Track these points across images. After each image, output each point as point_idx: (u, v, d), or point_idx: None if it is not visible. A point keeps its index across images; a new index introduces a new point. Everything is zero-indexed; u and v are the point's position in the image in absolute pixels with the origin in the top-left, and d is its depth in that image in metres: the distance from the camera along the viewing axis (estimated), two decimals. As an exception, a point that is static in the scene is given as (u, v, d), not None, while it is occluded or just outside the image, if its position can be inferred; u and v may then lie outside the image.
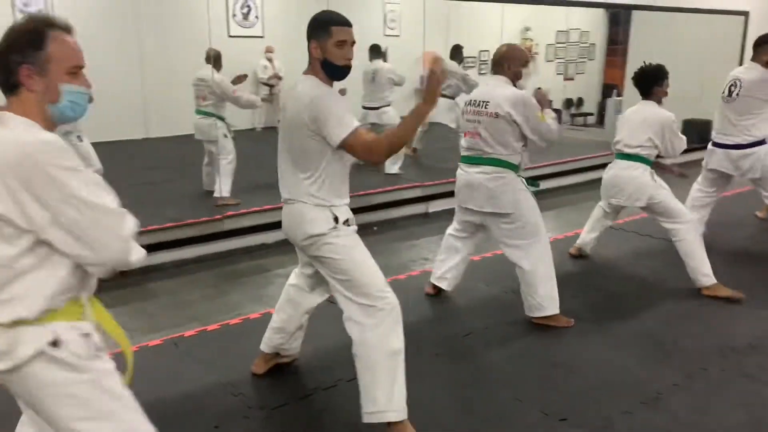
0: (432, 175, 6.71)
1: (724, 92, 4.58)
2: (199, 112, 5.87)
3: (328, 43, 2.46)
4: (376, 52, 7.32)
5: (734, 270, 4.46)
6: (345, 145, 2.42)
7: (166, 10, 8.38)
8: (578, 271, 4.52)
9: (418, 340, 3.18)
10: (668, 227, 4.11)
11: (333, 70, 2.51)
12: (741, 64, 8.60)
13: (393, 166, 7.00)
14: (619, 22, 12.31)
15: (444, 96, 7.62)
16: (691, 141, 4.71)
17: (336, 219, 2.55)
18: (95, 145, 5.27)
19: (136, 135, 8.32)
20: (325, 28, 2.47)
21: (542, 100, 3.49)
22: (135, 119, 8.26)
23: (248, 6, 9.88)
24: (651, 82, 4.13)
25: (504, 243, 3.62)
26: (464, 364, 3.24)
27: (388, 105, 7.24)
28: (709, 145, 4.72)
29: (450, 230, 3.95)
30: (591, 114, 12.89)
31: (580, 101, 13.08)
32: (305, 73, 2.56)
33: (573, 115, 12.83)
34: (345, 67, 2.51)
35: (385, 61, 7.35)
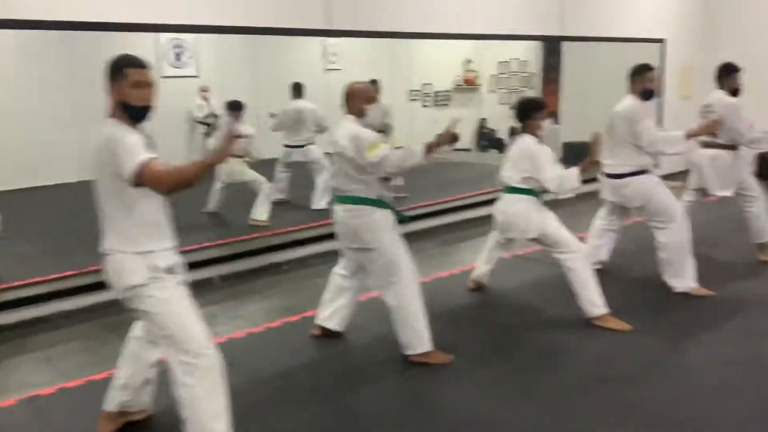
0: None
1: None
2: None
3: (124, 85, 2.45)
4: (298, 91, 7.32)
5: (631, 298, 4.46)
6: (137, 177, 2.36)
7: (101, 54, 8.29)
8: (472, 305, 4.47)
9: (292, 383, 3.21)
10: (559, 257, 4.10)
11: (132, 112, 2.48)
12: (659, 88, 8.81)
13: (320, 201, 6.93)
14: (555, 51, 12.51)
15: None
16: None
17: (155, 267, 2.47)
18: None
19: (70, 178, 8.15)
20: (121, 71, 2.47)
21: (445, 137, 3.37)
22: (69, 163, 8.11)
23: (180, 47, 9.90)
24: (524, 115, 4.15)
25: (374, 279, 3.60)
26: (330, 405, 3.16)
27: (312, 144, 7.18)
28: (599, 175, 4.74)
29: (336, 269, 3.89)
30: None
31: (525, 129, 13.21)
32: (108, 117, 2.51)
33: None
34: (143, 108, 2.49)
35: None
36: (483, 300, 4.55)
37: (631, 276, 4.91)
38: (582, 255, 4.08)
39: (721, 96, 5.11)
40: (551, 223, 4.09)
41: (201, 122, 9.53)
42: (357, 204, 3.45)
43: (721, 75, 5.18)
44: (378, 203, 3.49)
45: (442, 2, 6.54)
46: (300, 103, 7.24)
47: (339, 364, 3.61)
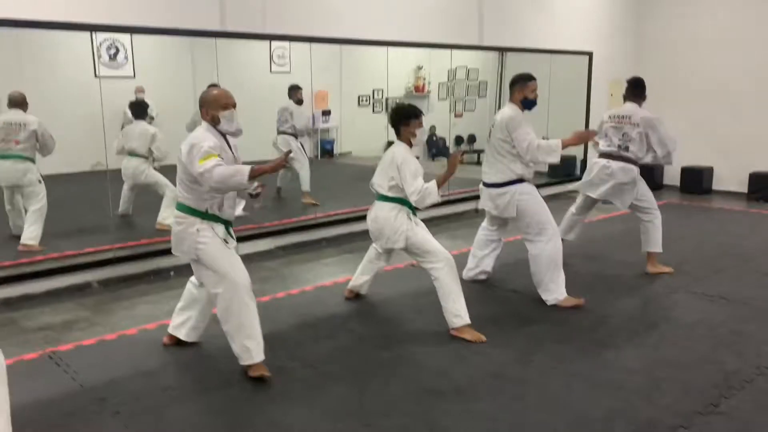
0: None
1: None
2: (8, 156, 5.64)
3: None
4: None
5: (501, 309, 4.49)
6: None
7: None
8: (339, 314, 4.44)
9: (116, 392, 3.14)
10: (426, 267, 4.10)
11: None
12: (588, 99, 8.92)
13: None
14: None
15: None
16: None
17: None
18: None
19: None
20: None
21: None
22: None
23: (116, 47, 9.81)
24: (398, 122, 4.15)
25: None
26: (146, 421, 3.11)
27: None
28: (480, 185, 4.76)
29: (192, 278, 3.81)
30: (482, 150, 13.03)
31: (472, 138, 13.26)
32: None
33: (464, 152, 12.97)
34: None
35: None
36: (352, 310, 4.53)
37: (510, 287, 4.93)
38: (448, 265, 4.04)
39: (636, 108, 5.17)
40: (419, 232, 4.09)
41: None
42: (184, 212, 3.42)
43: (635, 88, 5.25)
44: (204, 216, 3.41)
45: (365, 8, 6.54)
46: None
47: (173, 375, 3.58)
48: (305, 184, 7.54)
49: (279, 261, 5.82)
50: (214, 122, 3.41)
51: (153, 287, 5.07)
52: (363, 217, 6.52)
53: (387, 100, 12.78)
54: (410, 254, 4.19)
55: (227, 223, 3.54)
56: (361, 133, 12.34)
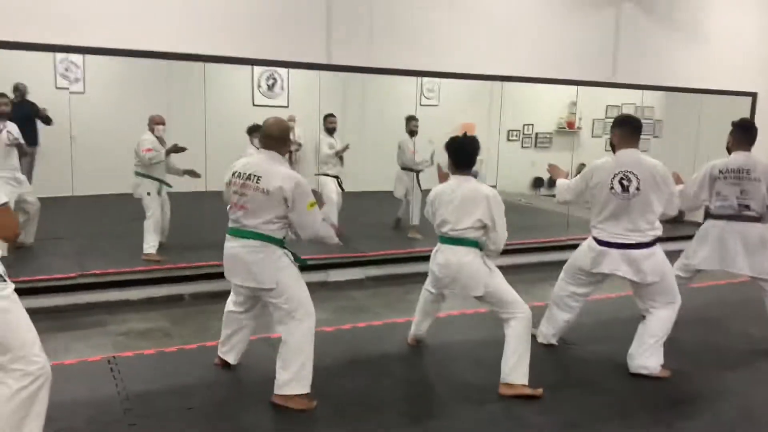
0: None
1: None
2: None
3: None
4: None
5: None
6: None
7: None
8: (392, 354, 4.30)
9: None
10: (503, 317, 3.79)
11: None
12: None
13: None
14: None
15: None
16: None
17: None
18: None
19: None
20: None
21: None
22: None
23: (273, 78, 10.56)
24: (473, 154, 3.86)
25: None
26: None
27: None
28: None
29: (230, 305, 3.89)
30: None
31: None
32: None
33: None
34: None
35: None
36: (406, 351, 4.38)
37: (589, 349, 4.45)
38: (526, 318, 3.74)
39: (752, 158, 4.50)
40: (498, 280, 3.78)
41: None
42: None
43: (747, 132, 4.60)
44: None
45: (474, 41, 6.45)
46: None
47: (205, 396, 3.68)
48: (414, 217, 7.48)
49: (365, 292, 5.81)
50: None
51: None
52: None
53: (537, 135, 12.41)
54: (485, 303, 3.88)
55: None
56: (508, 169, 12.06)
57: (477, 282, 3.74)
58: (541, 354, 4.36)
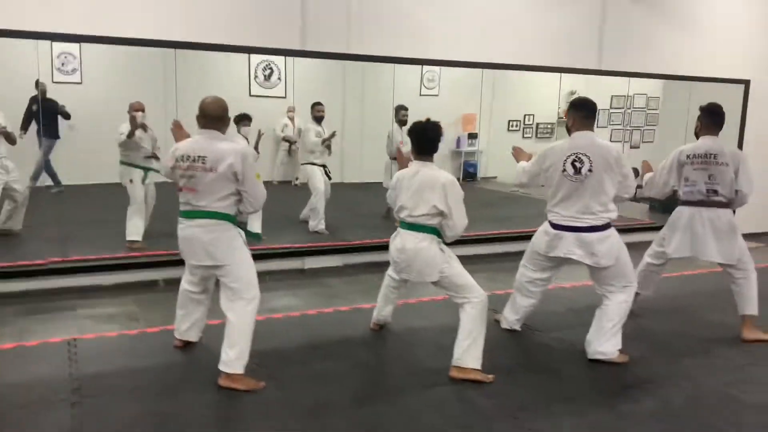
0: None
1: None
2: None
3: None
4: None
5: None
6: None
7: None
8: (353, 339, 4.31)
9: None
10: (457, 302, 3.77)
11: None
12: (741, 133, 7.74)
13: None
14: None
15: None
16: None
17: None
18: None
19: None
20: None
21: None
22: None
23: (270, 68, 10.57)
24: (435, 140, 3.80)
25: None
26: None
27: (307, 163, 7.31)
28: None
29: (186, 285, 3.91)
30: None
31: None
32: None
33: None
34: None
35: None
36: (368, 336, 4.39)
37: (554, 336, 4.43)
38: (482, 304, 3.72)
39: (719, 143, 4.45)
40: (454, 266, 3.76)
41: (285, 140, 10.04)
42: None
43: (715, 117, 4.52)
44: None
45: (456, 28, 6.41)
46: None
47: (154, 376, 3.73)
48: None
49: (342, 279, 5.83)
50: None
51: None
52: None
53: (537, 125, 12.32)
54: (441, 288, 3.86)
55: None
56: (509, 159, 11.97)
57: (432, 268, 3.74)
58: (504, 340, 4.37)
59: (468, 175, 12.04)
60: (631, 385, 3.67)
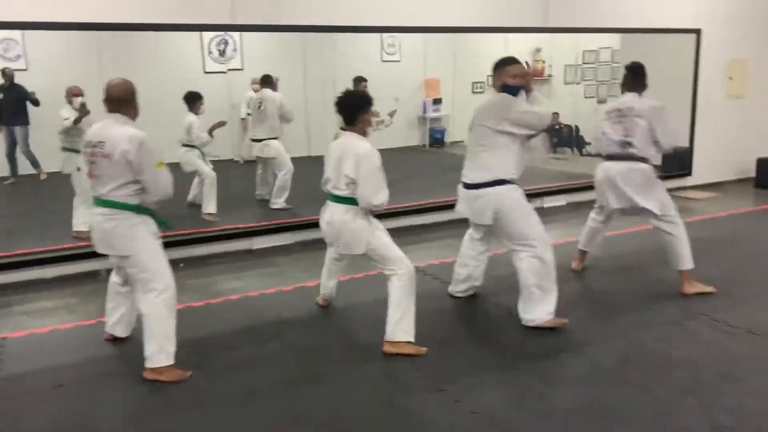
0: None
1: None
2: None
3: None
4: (265, 81, 7.27)
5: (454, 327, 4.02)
6: None
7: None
8: (288, 320, 4.25)
9: None
10: (386, 273, 3.71)
11: None
12: (695, 84, 7.65)
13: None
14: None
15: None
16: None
17: None
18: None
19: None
20: None
21: None
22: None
23: (225, 42, 10.29)
24: (354, 108, 3.69)
25: None
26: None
27: (275, 138, 7.17)
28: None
29: (114, 277, 3.84)
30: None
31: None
32: None
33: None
34: None
35: (274, 90, 7.28)
36: (305, 315, 4.32)
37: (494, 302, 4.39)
38: (408, 275, 3.65)
39: (637, 98, 4.45)
40: (380, 237, 3.71)
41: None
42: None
43: (635, 75, 4.52)
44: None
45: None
46: (264, 93, 7.17)
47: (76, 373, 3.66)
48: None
49: (290, 257, 5.75)
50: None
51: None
52: (428, 210, 6.31)
53: (503, 85, 12.12)
54: (370, 259, 3.79)
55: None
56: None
57: (359, 240, 3.68)
58: (447, 308, 4.33)
59: (435, 141, 11.93)
60: (563, 350, 3.64)
